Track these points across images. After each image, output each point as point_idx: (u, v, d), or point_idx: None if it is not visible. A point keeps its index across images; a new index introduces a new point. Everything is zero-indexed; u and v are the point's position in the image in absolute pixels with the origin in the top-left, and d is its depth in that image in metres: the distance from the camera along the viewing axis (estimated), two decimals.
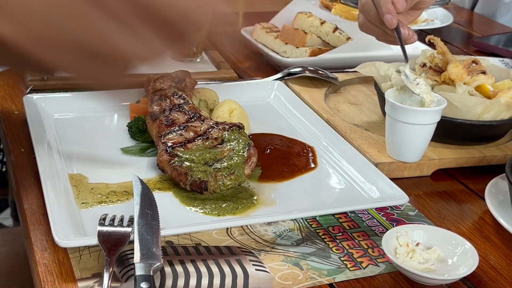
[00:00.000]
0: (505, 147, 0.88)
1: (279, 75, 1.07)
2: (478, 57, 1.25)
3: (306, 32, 1.19)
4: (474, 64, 0.94)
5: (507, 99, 0.86)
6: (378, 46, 1.16)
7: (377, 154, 0.84)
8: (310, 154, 0.87)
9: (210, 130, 0.79)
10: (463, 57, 1.03)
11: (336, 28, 1.21)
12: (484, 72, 0.93)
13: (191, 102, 0.85)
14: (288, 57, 1.16)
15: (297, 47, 1.16)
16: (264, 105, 1.01)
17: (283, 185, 0.79)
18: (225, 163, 0.74)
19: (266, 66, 1.18)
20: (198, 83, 0.98)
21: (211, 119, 0.82)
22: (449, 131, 0.86)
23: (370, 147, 0.85)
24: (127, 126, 0.87)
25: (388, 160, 0.83)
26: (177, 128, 0.79)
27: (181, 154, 0.75)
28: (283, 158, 0.85)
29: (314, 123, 0.93)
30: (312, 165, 0.84)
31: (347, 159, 0.83)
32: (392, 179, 0.78)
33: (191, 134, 0.78)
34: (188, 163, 0.74)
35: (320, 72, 1.07)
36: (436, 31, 1.47)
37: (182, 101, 0.84)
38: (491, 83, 0.92)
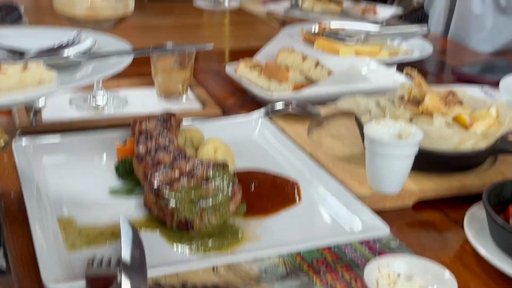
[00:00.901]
0: (484, 176, 0.91)
1: (263, 111, 1.10)
2: (456, 87, 1.28)
3: (288, 68, 1.22)
4: (451, 96, 0.98)
5: (483, 129, 0.89)
6: (358, 79, 1.20)
7: (359, 187, 0.86)
8: (295, 189, 0.89)
9: (195, 169, 0.81)
10: (442, 88, 1.06)
11: (318, 63, 1.25)
12: (461, 103, 0.96)
13: (176, 142, 0.87)
14: (272, 93, 1.19)
15: (281, 83, 1.19)
16: (248, 141, 1.03)
17: (268, 220, 0.81)
18: (210, 201, 0.76)
19: (251, 102, 1.21)
20: (183, 121, 1.01)
21: (196, 158, 0.84)
22: (428, 162, 0.89)
23: (352, 180, 0.88)
24: (114, 167, 0.89)
25: (370, 192, 0.85)
26: (162, 168, 0.81)
27: (166, 193, 0.77)
28: (268, 193, 0.87)
29: (298, 157, 0.95)
30: (297, 200, 0.86)
31: (330, 192, 0.85)
32: (375, 211, 0.80)
33: (177, 173, 0.80)
34: (173, 203, 0.75)
35: (303, 107, 1.10)
36: (416, 62, 1.51)
37: (167, 141, 0.87)
38: (468, 114, 0.95)
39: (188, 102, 1.18)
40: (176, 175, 0.80)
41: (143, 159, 0.84)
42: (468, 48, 1.86)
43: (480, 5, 1.92)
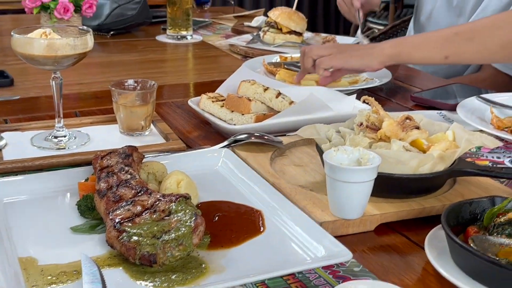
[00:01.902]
0: (443, 198, 0.92)
1: (226, 143, 1.11)
2: (414, 112, 1.31)
3: (250, 99, 1.23)
4: (407, 121, 1.00)
5: (440, 152, 0.91)
6: (319, 108, 1.22)
7: (321, 214, 0.87)
8: (259, 218, 0.89)
9: (157, 203, 0.81)
10: (401, 113, 1.09)
11: (279, 94, 1.26)
12: (417, 127, 0.98)
13: (138, 177, 0.87)
14: (234, 125, 1.20)
15: (243, 114, 1.21)
16: (212, 173, 1.03)
17: (232, 251, 0.81)
18: (173, 235, 0.76)
19: (214, 134, 1.22)
20: (146, 156, 1.01)
21: (158, 192, 0.84)
22: (388, 186, 0.90)
23: (315, 207, 0.89)
24: (76, 204, 0.88)
25: (332, 219, 0.86)
26: (124, 203, 0.81)
27: (129, 229, 0.77)
28: (232, 224, 0.87)
29: (261, 187, 0.96)
30: (261, 229, 0.86)
31: (293, 220, 0.86)
32: (337, 237, 0.81)
33: (139, 208, 0.80)
34: (136, 238, 0.75)
35: (265, 137, 1.11)
36: (376, 89, 1.54)
37: (129, 176, 0.87)
38: (425, 137, 0.97)
39: (151, 137, 1.18)
40: (137, 210, 0.80)
41: (104, 195, 0.84)
42: (426, 73, 1.91)
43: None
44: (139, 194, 0.83)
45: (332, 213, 0.87)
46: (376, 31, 5.12)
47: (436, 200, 0.92)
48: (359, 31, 1.74)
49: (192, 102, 1.30)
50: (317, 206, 0.89)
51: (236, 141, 1.11)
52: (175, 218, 0.78)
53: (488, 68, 1.89)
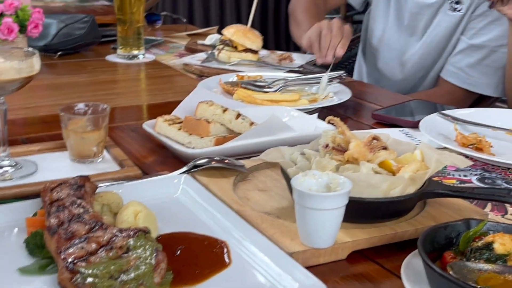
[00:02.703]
0: (415, 221, 0.89)
1: (185, 168, 1.05)
2: (377, 130, 1.28)
3: (209, 121, 1.18)
4: (375, 141, 0.96)
5: (410, 174, 0.88)
6: (281, 129, 1.18)
7: (291, 243, 0.82)
8: (224, 250, 0.83)
9: (113, 239, 0.74)
10: (363, 132, 1.05)
11: (239, 115, 1.21)
12: (385, 148, 0.95)
13: (91, 210, 0.81)
14: (193, 148, 1.14)
15: (202, 137, 1.15)
16: (171, 201, 0.97)
17: (197, 287, 0.75)
18: (132, 274, 0.70)
19: (172, 159, 1.16)
20: (100, 185, 0.94)
21: (114, 227, 0.77)
22: (359, 211, 0.86)
23: (283, 236, 0.83)
24: (24, 242, 0.81)
25: (302, 248, 0.81)
26: (77, 241, 0.74)
27: (83, 269, 0.70)
28: (195, 257, 0.81)
29: (225, 215, 0.90)
30: (226, 262, 0.81)
31: (261, 251, 0.81)
32: (308, 267, 0.77)
33: (94, 245, 0.73)
34: (91, 279, 0.69)
35: (226, 161, 1.06)
36: (336, 107, 1.51)
37: (81, 210, 0.80)
38: (393, 158, 0.94)
39: (104, 164, 1.11)
40: (92, 248, 0.73)
41: (55, 232, 0.76)
42: (383, 89, 1.90)
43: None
44: (94, 229, 0.76)
45: (302, 242, 0.82)
46: None
47: (408, 224, 0.88)
48: (325, 76, 1.62)
49: (147, 125, 1.24)
50: (286, 235, 0.84)
51: (196, 166, 1.05)
52: (134, 256, 0.72)
53: (445, 84, 1.89)
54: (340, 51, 1.73)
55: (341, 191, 0.79)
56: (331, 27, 1.75)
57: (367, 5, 2.17)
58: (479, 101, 1.94)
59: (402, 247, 0.84)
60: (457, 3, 1.82)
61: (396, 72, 2.00)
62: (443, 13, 1.85)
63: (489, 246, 0.75)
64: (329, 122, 1.01)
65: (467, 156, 1.15)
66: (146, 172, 1.09)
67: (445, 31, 1.86)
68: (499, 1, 1.44)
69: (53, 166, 1.09)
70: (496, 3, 1.45)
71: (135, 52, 2.05)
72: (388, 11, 1.99)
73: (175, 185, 1.00)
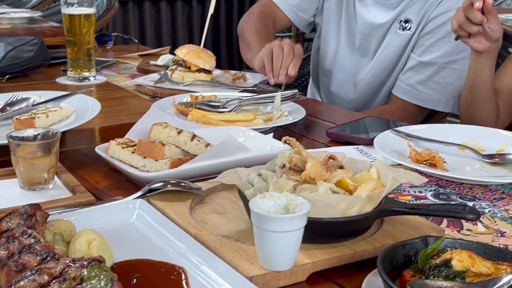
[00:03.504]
0: (373, 240, 0.89)
1: (140, 193, 1.02)
2: (332, 149, 1.29)
3: (163, 144, 1.16)
4: (331, 160, 0.96)
5: (367, 193, 0.88)
6: (237, 150, 1.17)
7: (250, 267, 0.80)
8: (182, 276, 0.81)
9: (66, 269, 0.71)
10: (318, 151, 1.05)
11: (194, 136, 1.20)
12: (341, 167, 0.95)
13: (43, 240, 0.77)
14: (148, 172, 1.12)
15: (156, 160, 1.13)
16: (126, 227, 0.95)
17: None
18: None
19: (126, 184, 1.13)
20: (51, 213, 0.91)
21: (67, 257, 0.74)
22: (317, 231, 0.86)
23: (242, 260, 0.82)
24: None
25: (262, 272, 0.80)
26: (28, 273, 0.71)
27: None
28: (152, 286, 0.79)
29: (182, 240, 0.88)
30: None
31: (220, 276, 0.79)
32: None
33: (46, 278, 0.70)
34: None
35: (182, 184, 1.04)
36: (291, 126, 1.51)
37: (32, 240, 0.77)
38: (350, 177, 0.94)
39: (55, 191, 1.07)
40: (44, 280, 0.70)
41: (5, 265, 0.73)
42: (336, 107, 1.92)
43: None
44: (46, 260, 0.73)
45: (261, 265, 0.81)
46: None
47: (366, 243, 0.88)
48: (279, 96, 1.63)
49: (99, 149, 1.21)
50: (245, 259, 0.82)
51: (151, 190, 1.03)
52: (89, 287, 0.69)
53: (396, 100, 1.92)
54: (293, 71, 1.73)
55: (299, 213, 0.79)
56: (282, 47, 1.76)
57: (314, 27, 2.19)
58: (431, 116, 1.98)
59: (362, 267, 0.84)
60: (406, 22, 1.86)
61: (349, 92, 2.02)
62: (393, 33, 1.88)
63: (447, 263, 0.75)
64: (285, 142, 1.00)
65: (421, 172, 1.17)
66: (99, 198, 1.07)
67: (395, 50, 1.90)
68: (465, 34, 1.48)
69: (2, 194, 1.05)
70: (462, 36, 1.49)
71: (86, 73, 2.01)
72: (340, 33, 2.02)
73: (129, 210, 0.98)
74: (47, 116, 1.33)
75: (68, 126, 1.32)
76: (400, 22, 1.86)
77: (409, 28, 1.85)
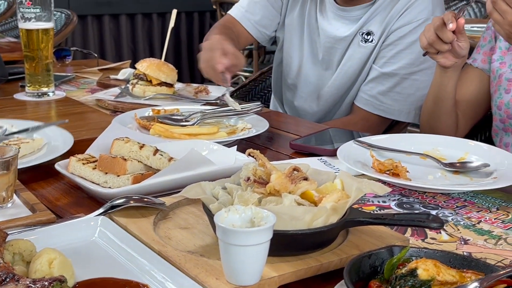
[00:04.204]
0: (339, 251, 0.89)
1: (101, 210, 1.00)
2: (296, 160, 1.29)
3: (125, 159, 1.14)
4: (295, 172, 0.96)
5: (332, 204, 0.88)
6: (201, 163, 1.16)
7: (216, 282, 0.79)
8: None
9: None
10: (282, 163, 1.05)
11: (156, 150, 1.18)
12: (306, 178, 0.95)
13: (2, 261, 0.75)
14: (110, 188, 1.10)
15: (118, 176, 1.11)
16: (88, 245, 0.92)
17: None
18: None
19: (88, 200, 1.11)
20: (10, 232, 0.88)
21: (27, 277, 0.72)
22: (283, 244, 0.85)
23: (208, 276, 0.81)
24: None
25: (228, 287, 0.79)
26: None
27: None
28: None
29: (146, 257, 0.87)
30: None
31: None
32: None
33: None
34: None
35: (145, 199, 1.02)
36: (255, 138, 1.51)
37: None
38: (314, 188, 0.94)
39: (14, 209, 1.04)
40: None
41: None
42: (299, 119, 1.92)
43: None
44: (5, 282, 0.71)
45: (227, 280, 0.80)
46: (243, 78, 5.22)
47: (332, 254, 0.88)
48: (227, 94, 1.68)
49: (59, 166, 1.18)
50: (211, 274, 0.81)
51: (113, 206, 1.01)
52: None
53: (359, 111, 1.94)
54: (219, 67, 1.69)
55: (265, 226, 0.78)
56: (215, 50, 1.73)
57: (275, 40, 2.19)
58: (392, 126, 2.00)
59: (329, 278, 0.84)
60: (368, 34, 1.87)
61: (313, 105, 2.03)
62: (356, 45, 1.90)
63: (413, 272, 0.75)
64: (249, 155, 1.00)
65: (384, 182, 1.18)
66: (60, 216, 1.04)
67: (358, 62, 1.91)
68: (434, 51, 1.50)
69: None
70: (430, 52, 1.51)
71: (45, 89, 1.97)
72: (303, 47, 2.02)
73: (91, 227, 0.95)
74: (19, 147, 1.28)
75: (40, 159, 1.26)
76: (362, 34, 1.88)
77: (371, 40, 1.87)
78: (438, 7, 1.85)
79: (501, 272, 0.75)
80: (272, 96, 2.27)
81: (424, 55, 1.55)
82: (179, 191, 0.95)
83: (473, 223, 1.05)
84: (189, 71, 6.09)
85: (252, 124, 1.57)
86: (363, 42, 1.88)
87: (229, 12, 2.14)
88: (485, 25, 1.78)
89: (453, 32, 1.44)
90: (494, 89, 1.64)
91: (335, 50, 1.93)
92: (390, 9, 1.85)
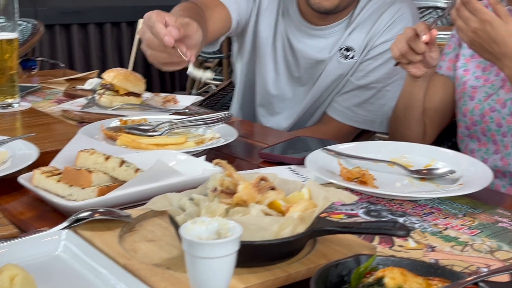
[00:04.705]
0: (307, 260, 0.88)
1: (66, 223, 0.98)
2: (265, 170, 1.28)
3: (90, 171, 1.12)
4: (263, 182, 0.95)
5: (299, 213, 0.87)
6: (168, 174, 1.15)
7: None
8: None
9: None
10: (251, 172, 1.04)
11: (122, 162, 1.17)
12: (273, 188, 0.94)
13: None
14: (74, 200, 1.08)
15: (83, 188, 1.09)
16: (52, 260, 0.90)
17: None
18: None
19: (52, 214, 1.09)
20: None
21: None
22: (250, 254, 0.84)
23: None
24: None
25: None
26: None
27: None
28: None
29: (111, 271, 0.85)
30: None
31: None
32: None
33: None
34: None
35: (111, 212, 1.00)
36: (224, 148, 1.50)
37: None
38: (282, 198, 0.93)
39: None
40: None
41: None
42: (269, 128, 1.92)
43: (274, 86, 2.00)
44: None
45: None
46: (214, 86, 5.21)
47: (300, 264, 0.87)
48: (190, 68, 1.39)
49: (23, 178, 1.16)
50: (177, 287, 0.80)
51: (78, 219, 0.99)
52: None
53: (331, 121, 1.94)
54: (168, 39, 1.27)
55: (231, 237, 0.77)
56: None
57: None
58: (361, 134, 2.02)
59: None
60: (347, 50, 1.86)
61: (288, 120, 2.01)
62: (335, 62, 1.88)
63: (379, 281, 0.75)
64: (216, 165, 0.99)
65: (352, 190, 1.18)
66: (23, 230, 1.02)
67: (336, 77, 1.90)
68: (406, 62, 1.51)
69: None
70: (402, 63, 1.52)
71: (9, 100, 1.94)
72: (277, 65, 1.98)
73: (55, 242, 0.93)
74: None
75: (3, 172, 1.23)
76: (341, 50, 1.86)
77: (352, 57, 1.86)
78: (418, 21, 1.87)
79: (467, 279, 0.76)
80: (236, 110, 2.22)
81: (395, 65, 1.56)
82: (146, 203, 0.94)
83: (440, 229, 1.06)
84: (160, 80, 6.06)
85: (221, 133, 1.56)
86: (343, 58, 1.86)
87: None
88: (450, 33, 1.80)
89: (426, 43, 1.45)
90: (459, 96, 1.66)
91: (315, 69, 1.91)
92: (372, 24, 1.83)
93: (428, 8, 4.30)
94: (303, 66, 1.92)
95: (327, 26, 1.87)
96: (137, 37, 1.93)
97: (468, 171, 1.28)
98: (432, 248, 0.99)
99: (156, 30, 1.29)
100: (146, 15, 1.33)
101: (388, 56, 1.81)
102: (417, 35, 1.44)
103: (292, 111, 2.00)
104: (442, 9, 4.25)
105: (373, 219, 1.10)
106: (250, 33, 2.03)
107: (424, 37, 1.43)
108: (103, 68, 4.12)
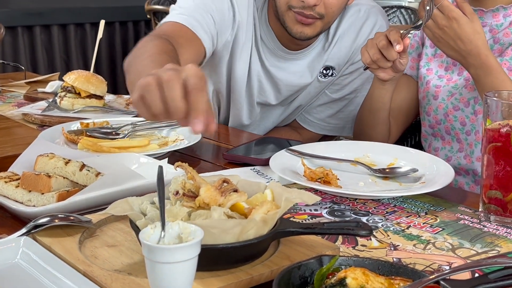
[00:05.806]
0: (270, 263, 0.88)
1: (24, 230, 0.96)
2: (229, 172, 1.28)
3: (50, 176, 1.10)
4: (225, 184, 0.95)
5: (261, 215, 0.87)
6: (130, 178, 1.13)
7: None
8: None
9: None
10: (214, 174, 1.04)
11: (83, 166, 1.15)
12: (236, 190, 0.94)
13: None
14: (34, 206, 1.05)
15: (43, 193, 1.07)
16: (10, 267, 0.88)
17: None
18: None
19: (11, 220, 1.06)
20: None
21: None
22: (213, 258, 0.84)
23: None
24: None
25: None
26: None
27: None
28: None
29: (71, 278, 0.83)
30: None
31: None
32: None
33: None
34: None
35: (71, 217, 0.98)
36: (187, 150, 1.49)
37: None
38: (244, 200, 0.93)
39: None
40: None
41: None
42: (235, 129, 1.91)
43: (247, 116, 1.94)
44: None
45: None
46: None
47: (263, 267, 0.87)
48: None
49: None
50: None
51: (36, 226, 0.97)
52: None
53: (303, 131, 1.95)
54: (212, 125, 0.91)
55: (192, 242, 0.76)
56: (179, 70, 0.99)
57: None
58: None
59: None
60: (326, 69, 1.84)
61: (257, 132, 1.98)
62: (316, 81, 1.85)
63: (342, 282, 0.75)
64: (177, 167, 0.98)
65: (316, 190, 1.18)
66: None
67: (313, 94, 1.88)
68: (376, 67, 1.50)
69: None
70: (371, 68, 1.52)
71: None
72: (252, 102, 1.90)
73: (13, 249, 0.91)
74: None
75: None
76: (321, 69, 1.85)
77: (331, 74, 1.84)
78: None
79: (429, 278, 0.76)
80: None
81: (365, 69, 1.56)
82: (107, 207, 0.92)
83: (403, 228, 1.06)
84: (124, 82, 5.99)
85: (184, 135, 1.55)
86: (322, 77, 1.84)
87: (169, 19, 1.66)
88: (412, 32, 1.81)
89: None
90: (422, 95, 1.68)
91: (296, 92, 1.89)
92: (353, 38, 1.79)
93: (392, 7, 4.35)
94: (284, 94, 1.88)
95: (305, 49, 1.81)
96: (99, 37, 1.89)
97: (430, 169, 1.29)
98: (395, 247, 0.99)
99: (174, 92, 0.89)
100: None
101: (362, 70, 1.78)
102: (390, 44, 1.44)
103: (264, 127, 1.99)
104: (407, 8, 4.30)
105: (337, 219, 1.10)
106: (223, 67, 1.84)
107: (398, 47, 1.42)
108: (67, 70, 4.04)
